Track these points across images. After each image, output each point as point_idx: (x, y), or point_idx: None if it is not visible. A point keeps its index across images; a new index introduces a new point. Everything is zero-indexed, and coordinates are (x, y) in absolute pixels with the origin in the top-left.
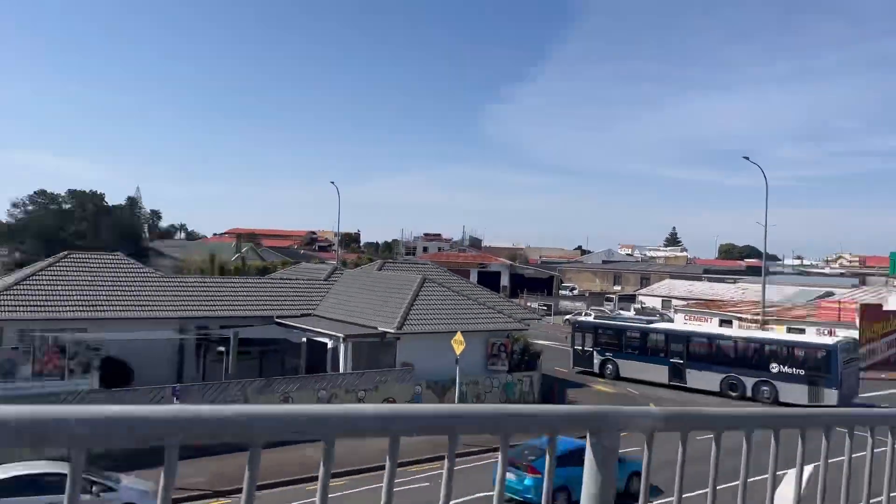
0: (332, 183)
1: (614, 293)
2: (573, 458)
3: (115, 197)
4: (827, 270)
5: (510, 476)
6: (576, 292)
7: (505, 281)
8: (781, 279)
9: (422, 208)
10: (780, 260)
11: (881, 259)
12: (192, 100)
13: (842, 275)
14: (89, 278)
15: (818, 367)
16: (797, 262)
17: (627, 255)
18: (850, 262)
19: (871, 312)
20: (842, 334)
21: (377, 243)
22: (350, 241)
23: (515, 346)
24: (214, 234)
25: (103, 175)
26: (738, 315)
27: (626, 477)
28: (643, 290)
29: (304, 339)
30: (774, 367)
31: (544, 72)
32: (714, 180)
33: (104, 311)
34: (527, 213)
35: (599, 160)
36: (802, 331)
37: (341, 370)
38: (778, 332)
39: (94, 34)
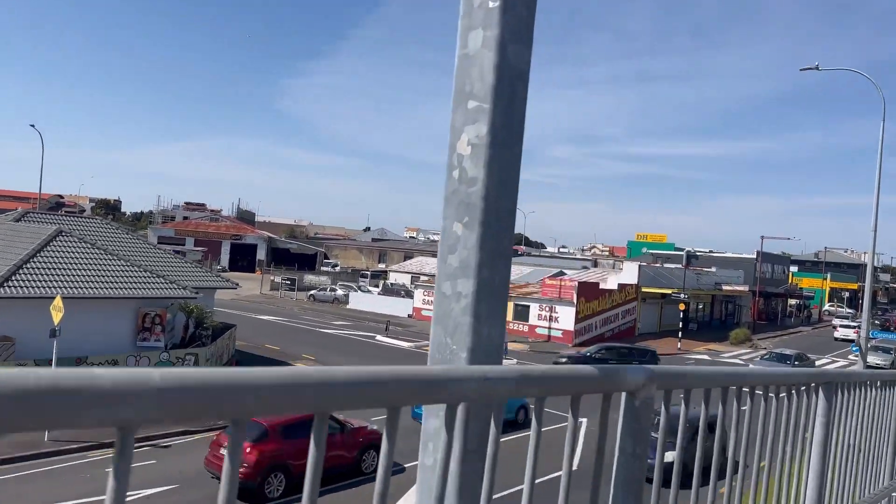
0: (32, 126)
1: (369, 270)
2: None
3: None
4: (578, 256)
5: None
6: (338, 269)
7: (262, 255)
8: (528, 260)
9: (203, 181)
10: (544, 247)
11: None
12: None
13: (588, 260)
14: None
15: None
16: (556, 249)
17: (412, 237)
18: (602, 250)
19: (587, 290)
20: (561, 310)
21: (142, 212)
22: (109, 208)
23: (190, 320)
24: None
25: None
26: None
27: (514, 409)
28: (394, 267)
29: None
30: None
31: (341, 51)
32: None
33: None
34: (317, 191)
35: (393, 145)
36: (527, 307)
37: None
38: None
39: None
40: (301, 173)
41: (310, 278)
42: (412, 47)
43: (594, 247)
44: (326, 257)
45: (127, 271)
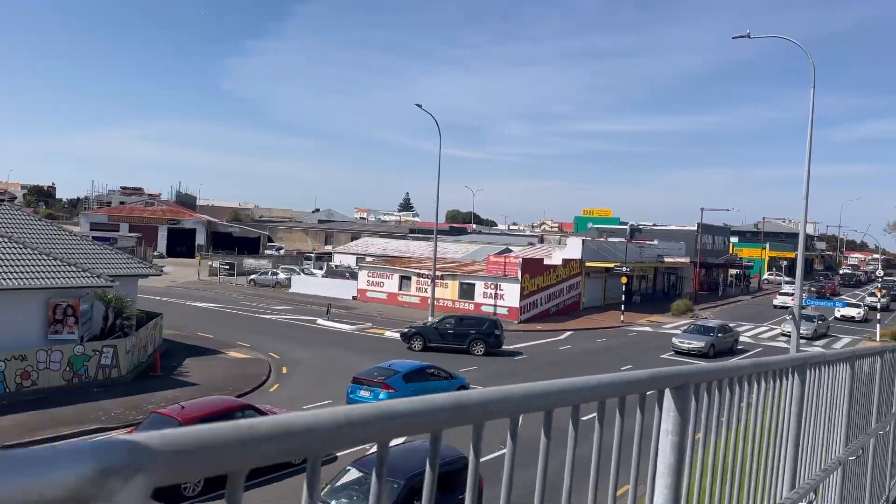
0: None
1: (314, 252)
2: (417, 375)
3: None
4: (528, 233)
5: (365, 394)
6: (282, 252)
7: (201, 239)
8: (474, 238)
9: (145, 165)
10: (495, 224)
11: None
12: None
13: (535, 236)
14: None
15: None
16: (506, 227)
17: (361, 218)
18: (552, 227)
19: (531, 266)
20: (506, 287)
21: (78, 199)
22: (42, 195)
23: (109, 310)
24: None
25: None
26: (418, 271)
27: (454, 390)
28: (339, 248)
29: None
30: None
31: (288, 29)
32: (447, 151)
33: None
34: (264, 173)
35: (344, 125)
36: (473, 285)
37: None
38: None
39: None
40: (248, 155)
41: (250, 262)
42: (360, 26)
43: (544, 223)
44: (271, 240)
45: (33, 260)
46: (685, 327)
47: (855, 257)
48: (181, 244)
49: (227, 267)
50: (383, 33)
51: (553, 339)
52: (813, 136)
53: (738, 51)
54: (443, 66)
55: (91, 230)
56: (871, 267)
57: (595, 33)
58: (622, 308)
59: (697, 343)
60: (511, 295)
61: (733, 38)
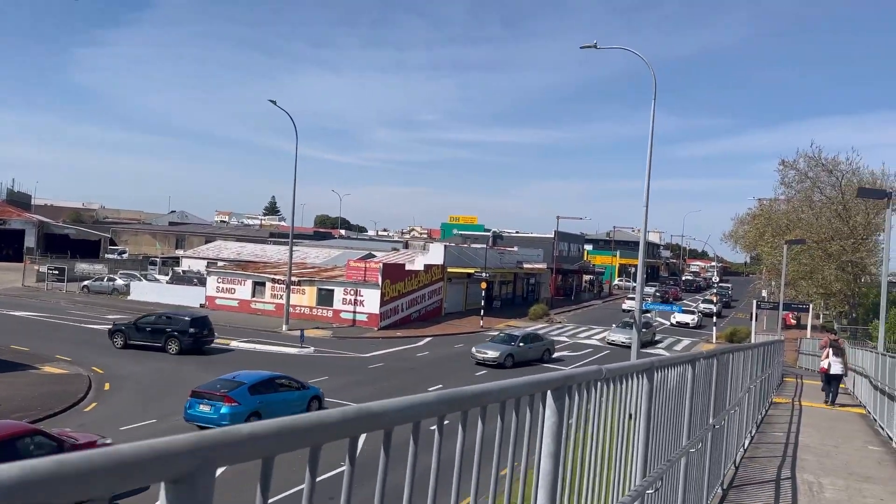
0: None
1: (160, 256)
2: (264, 387)
3: None
4: (397, 238)
5: (205, 408)
6: (125, 255)
7: (31, 241)
8: (337, 243)
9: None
10: (365, 230)
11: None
12: None
13: (400, 242)
14: None
15: None
16: (375, 233)
17: (223, 221)
18: (421, 233)
19: (393, 272)
20: (366, 293)
21: None
22: None
23: None
24: None
25: None
26: (273, 276)
27: (306, 401)
28: (188, 252)
29: None
30: None
31: (143, 20)
32: (316, 155)
33: None
34: (115, 172)
35: (205, 124)
36: (332, 291)
37: None
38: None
39: None
40: (95, 152)
41: (83, 267)
42: (224, 20)
43: (413, 229)
44: (114, 243)
45: None
46: (494, 335)
47: (696, 265)
48: (8, 247)
49: (57, 272)
50: (247, 30)
51: (412, 345)
52: (660, 153)
53: (594, 69)
54: (311, 67)
55: None
56: (710, 274)
57: (462, 46)
58: (482, 313)
59: (492, 353)
60: (371, 301)
61: (581, 47)
